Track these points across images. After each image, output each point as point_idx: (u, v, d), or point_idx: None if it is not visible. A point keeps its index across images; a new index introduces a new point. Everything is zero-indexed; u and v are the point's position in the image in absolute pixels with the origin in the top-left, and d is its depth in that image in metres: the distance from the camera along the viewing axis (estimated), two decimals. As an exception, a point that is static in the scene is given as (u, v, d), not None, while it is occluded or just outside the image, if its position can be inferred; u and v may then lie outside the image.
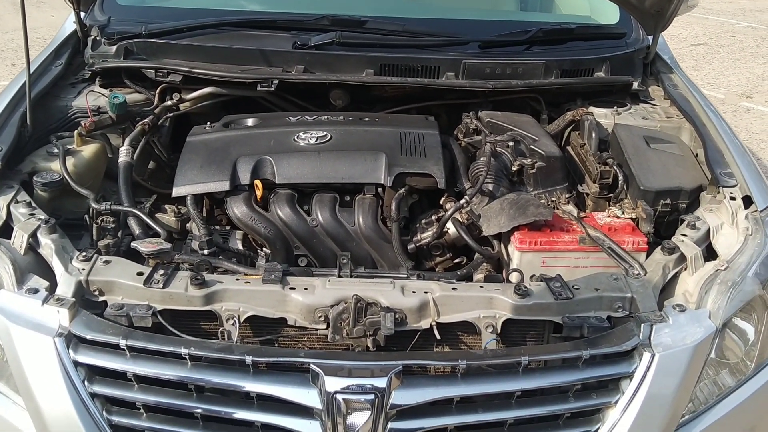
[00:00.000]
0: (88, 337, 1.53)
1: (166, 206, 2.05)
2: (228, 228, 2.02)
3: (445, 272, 1.94)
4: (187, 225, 2.00)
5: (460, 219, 1.97)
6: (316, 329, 1.64)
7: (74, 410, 1.51)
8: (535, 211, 1.85)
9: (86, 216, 1.93)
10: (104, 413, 1.54)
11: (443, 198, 2.07)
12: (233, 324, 1.62)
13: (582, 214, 1.97)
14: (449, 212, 1.94)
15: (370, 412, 1.47)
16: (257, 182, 1.99)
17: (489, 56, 2.44)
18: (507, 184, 2.07)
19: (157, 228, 1.88)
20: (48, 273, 1.69)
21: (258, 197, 2.00)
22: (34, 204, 1.86)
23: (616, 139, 2.22)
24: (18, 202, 1.86)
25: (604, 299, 1.66)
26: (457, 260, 2.03)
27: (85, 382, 1.52)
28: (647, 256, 1.84)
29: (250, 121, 2.26)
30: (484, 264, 1.92)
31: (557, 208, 1.99)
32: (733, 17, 10.21)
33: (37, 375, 1.53)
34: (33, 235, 1.74)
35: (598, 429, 1.58)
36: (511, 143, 2.15)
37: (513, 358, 1.53)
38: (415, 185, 2.02)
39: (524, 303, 1.62)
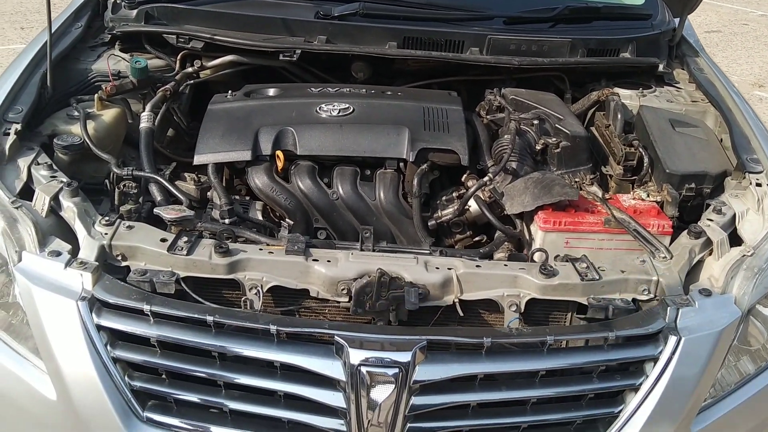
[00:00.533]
0: (112, 301, 1.51)
1: (186, 174, 2.03)
2: (247, 198, 2.00)
3: (466, 249, 1.93)
4: (208, 194, 1.97)
5: (482, 197, 1.95)
6: (338, 302, 1.63)
7: (96, 374, 1.50)
8: (561, 191, 1.83)
9: (107, 181, 1.91)
10: (126, 378, 1.53)
11: (465, 175, 2.05)
12: (256, 293, 1.61)
13: (607, 196, 1.95)
14: (472, 189, 1.92)
15: (394, 386, 1.46)
16: (279, 153, 1.97)
17: (514, 32, 2.40)
18: (531, 163, 2.04)
19: (179, 195, 1.86)
20: (69, 236, 1.68)
21: (279, 168, 1.98)
22: (55, 167, 1.83)
23: (641, 121, 2.19)
24: (39, 164, 1.83)
25: (630, 281, 1.65)
26: (477, 238, 2.02)
27: (108, 347, 1.52)
28: (671, 240, 1.83)
29: (271, 91, 2.23)
30: (506, 243, 1.90)
31: (582, 189, 1.97)
32: (747, 5, 10.10)
33: (59, 338, 1.52)
34: (55, 198, 1.71)
35: (621, 411, 1.58)
36: (535, 121, 2.12)
37: (539, 337, 1.52)
38: (438, 161, 1.99)
39: (549, 283, 1.61)
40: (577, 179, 2.04)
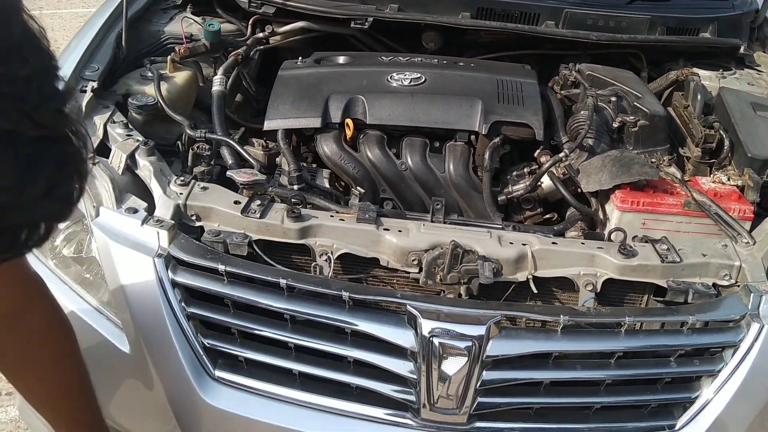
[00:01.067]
0: (187, 259, 1.52)
1: (254, 139, 2.03)
2: (314, 165, 1.99)
3: (539, 226, 1.89)
4: (276, 159, 1.97)
5: (555, 173, 1.90)
6: (408, 272, 1.62)
7: (170, 329, 1.52)
8: (640, 170, 1.77)
9: (179, 142, 1.92)
10: (199, 335, 1.54)
11: (538, 151, 2.00)
12: (326, 260, 1.60)
13: (685, 178, 1.89)
14: (546, 165, 1.88)
15: (466, 359, 1.44)
16: (348, 121, 1.95)
17: (591, 7, 2.33)
18: (608, 141, 1.98)
19: (250, 159, 1.86)
20: (144, 195, 1.69)
21: (348, 137, 1.96)
22: (130, 125, 1.85)
23: (722, 102, 2.11)
24: (115, 122, 1.85)
25: (711, 266, 1.60)
26: (547, 216, 1.97)
27: (182, 303, 1.53)
28: (752, 227, 1.76)
29: (341, 59, 2.20)
30: (579, 221, 1.86)
31: (660, 170, 1.91)
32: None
33: (134, 293, 1.54)
34: (131, 156, 1.73)
35: (697, 396, 1.54)
36: (613, 98, 2.05)
37: (617, 317, 1.48)
38: (511, 135, 1.95)
39: (629, 263, 1.56)
40: (653, 159, 1.98)
